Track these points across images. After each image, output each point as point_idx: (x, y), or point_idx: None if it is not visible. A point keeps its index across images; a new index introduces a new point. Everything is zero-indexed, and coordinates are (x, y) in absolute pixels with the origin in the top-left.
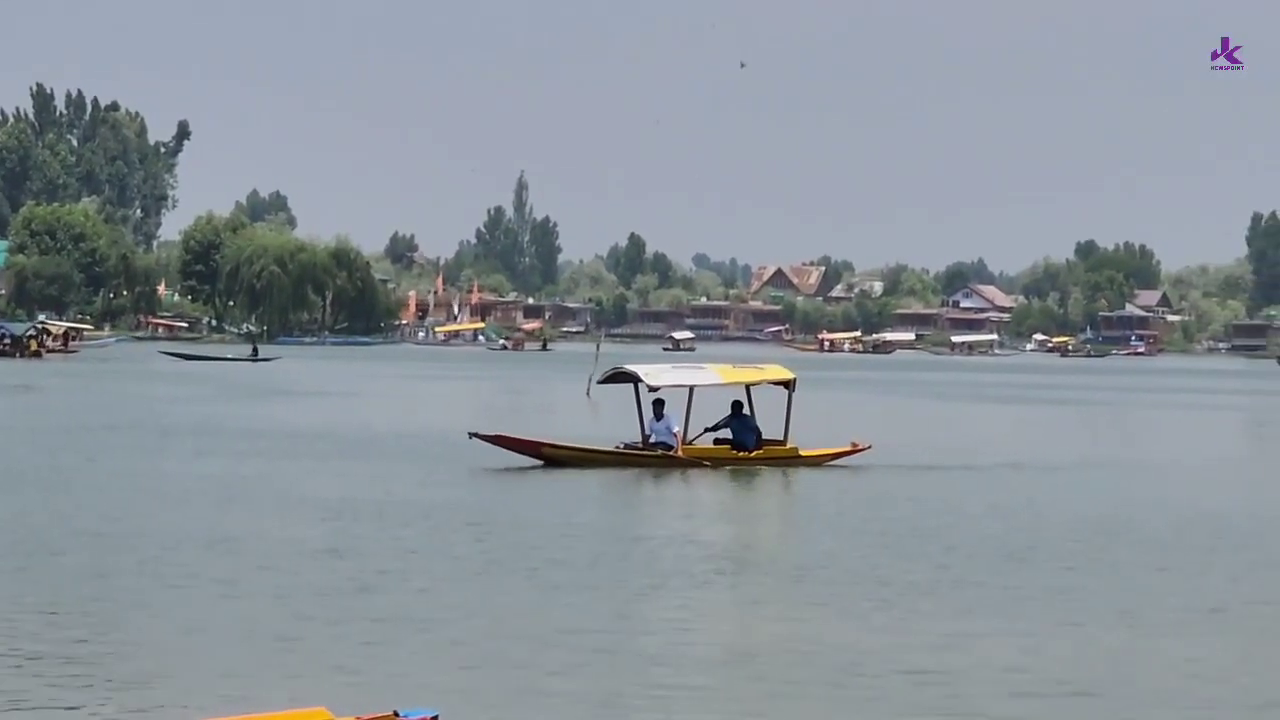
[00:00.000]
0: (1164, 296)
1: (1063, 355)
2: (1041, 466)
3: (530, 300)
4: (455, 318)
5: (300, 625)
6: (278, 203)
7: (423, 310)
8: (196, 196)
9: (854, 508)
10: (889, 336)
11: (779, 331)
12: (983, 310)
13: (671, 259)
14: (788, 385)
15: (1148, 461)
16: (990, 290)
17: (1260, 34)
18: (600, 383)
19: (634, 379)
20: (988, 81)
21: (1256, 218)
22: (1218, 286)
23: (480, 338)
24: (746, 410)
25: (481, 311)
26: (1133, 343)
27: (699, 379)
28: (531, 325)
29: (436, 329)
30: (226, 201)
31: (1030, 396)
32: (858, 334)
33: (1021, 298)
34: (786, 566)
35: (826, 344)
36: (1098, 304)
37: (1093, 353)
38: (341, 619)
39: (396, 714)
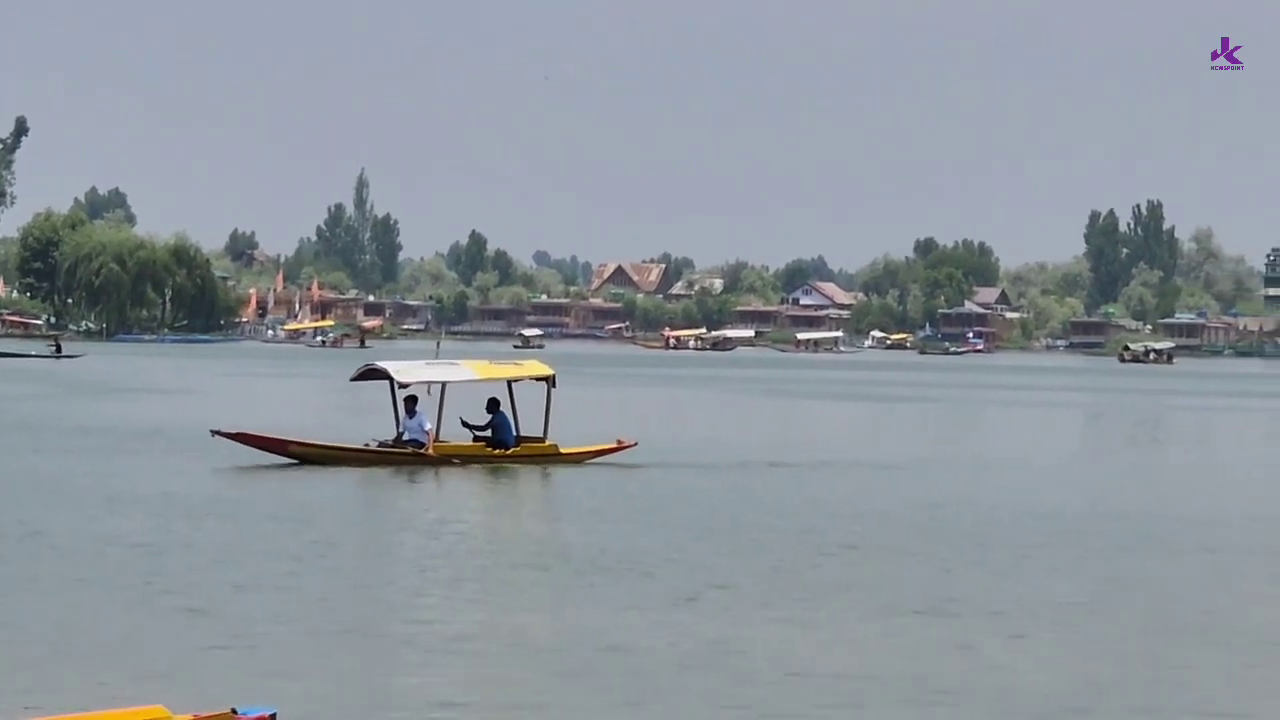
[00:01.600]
0: (1003, 294)
1: (921, 353)
2: (868, 463)
3: (371, 298)
4: (296, 315)
5: (132, 622)
6: (116, 200)
7: (263, 308)
8: (35, 193)
9: (657, 504)
10: (729, 333)
11: (620, 329)
12: (823, 307)
13: (512, 256)
14: (548, 381)
15: (978, 457)
16: (830, 287)
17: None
18: (353, 380)
19: (386, 376)
20: (826, 79)
21: (1094, 216)
22: (1056, 284)
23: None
24: (504, 407)
25: (322, 309)
26: (971, 340)
27: (452, 375)
28: (372, 323)
29: (283, 327)
30: (65, 199)
31: (870, 394)
32: (703, 331)
33: (861, 295)
34: (602, 563)
35: (672, 341)
36: (937, 301)
37: (951, 350)
38: (170, 616)
39: (234, 711)
